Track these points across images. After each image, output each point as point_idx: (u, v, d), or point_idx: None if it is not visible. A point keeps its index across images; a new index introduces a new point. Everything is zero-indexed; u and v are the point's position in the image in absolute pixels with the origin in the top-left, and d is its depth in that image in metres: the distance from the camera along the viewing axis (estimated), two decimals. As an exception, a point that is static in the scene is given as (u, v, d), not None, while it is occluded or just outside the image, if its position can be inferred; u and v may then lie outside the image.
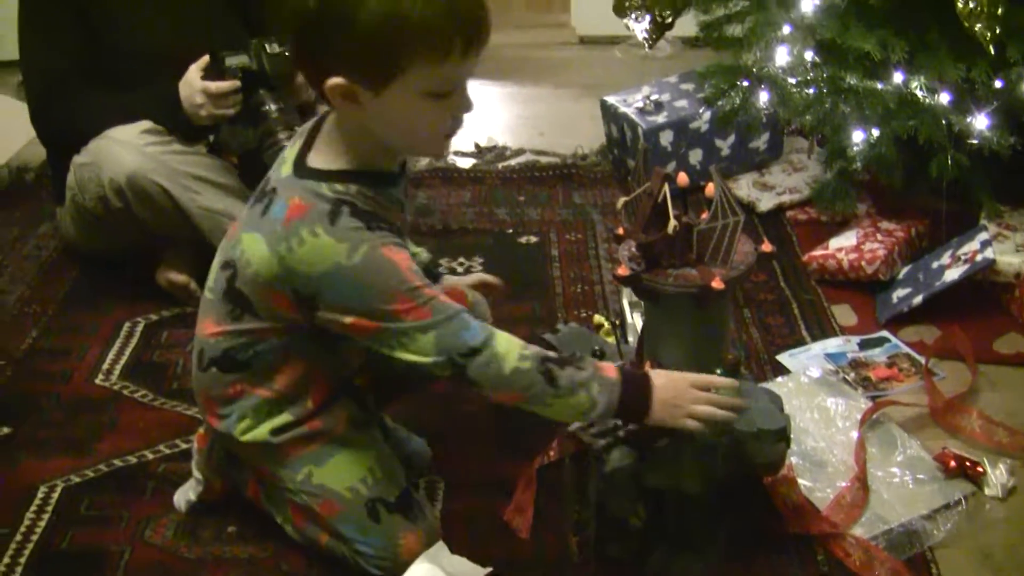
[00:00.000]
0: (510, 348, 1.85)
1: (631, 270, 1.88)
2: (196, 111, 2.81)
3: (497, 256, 3.15)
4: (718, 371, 1.92)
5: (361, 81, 1.77)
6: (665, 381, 1.88)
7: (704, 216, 1.90)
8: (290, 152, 1.94)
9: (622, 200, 1.91)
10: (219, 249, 2.02)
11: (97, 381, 2.65)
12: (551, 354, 1.87)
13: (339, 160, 1.88)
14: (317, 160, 1.89)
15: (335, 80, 1.77)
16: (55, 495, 2.27)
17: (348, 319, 1.84)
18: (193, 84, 2.79)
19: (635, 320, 2.55)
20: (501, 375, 1.84)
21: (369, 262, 1.82)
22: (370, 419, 2.11)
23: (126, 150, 2.77)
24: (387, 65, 1.75)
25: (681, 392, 1.88)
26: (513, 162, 3.75)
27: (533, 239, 3.24)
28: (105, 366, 2.70)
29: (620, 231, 1.94)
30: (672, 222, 1.83)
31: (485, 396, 1.89)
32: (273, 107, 2.76)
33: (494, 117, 4.14)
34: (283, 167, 1.92)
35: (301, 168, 1.89)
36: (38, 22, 2.90)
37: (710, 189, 1.86)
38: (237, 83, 2.78)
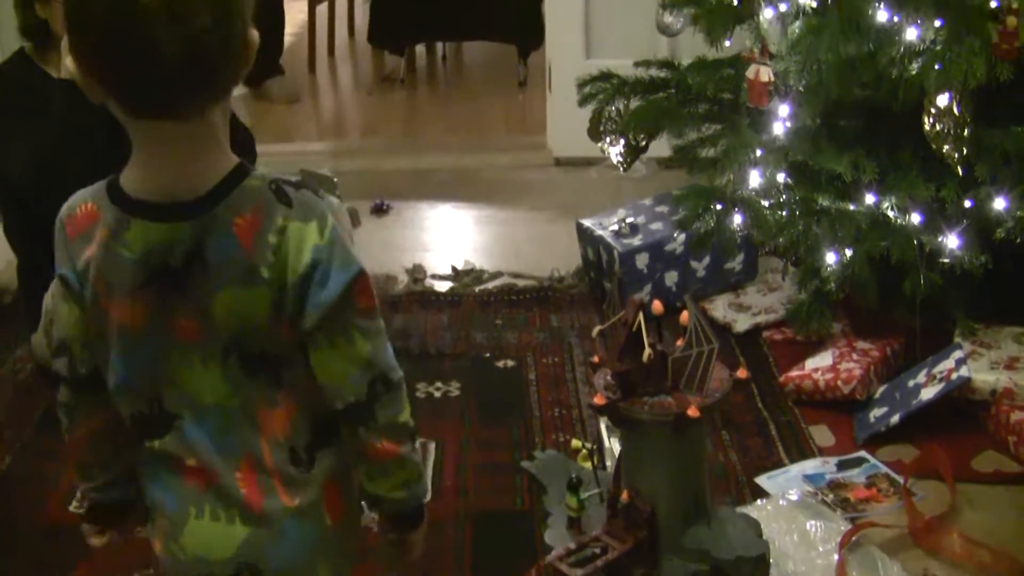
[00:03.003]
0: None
1: (607, 399, 1.89)
2: None
3: (475, 380, 3.14)
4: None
5: None
6: None
7: (680, 343, 1.91)
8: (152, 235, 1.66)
9: (597, 329, 1.92)
10: (175, 361, 1.72)
11: (71, 508, 2.62)
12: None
13: (227, 163, 1.67)
14: (211, 179, 1.65)
15: (254, 33, 1.62)
16: (26, 627, 2.24)
17: (322, 318, 1.65)
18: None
19: (612, 445, 2.55)
20: (399, 420, 1.73)
21: (335, 236, 1.65)
22: None
23: None
24: None
25: None
26: (490, 285, 3.76)
27: (511, 363, 3.24)
28: (79, 492, 2.67)
29: (596, 359, 1.95)
30: (647, 351, 1.84)
31: (366, 446, 1.75)
32: None
33: (471, 239, 4.17)
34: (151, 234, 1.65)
35: (211, 197, 1.64)
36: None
37: (685, 317, 1.87)
38: None
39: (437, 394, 3.06)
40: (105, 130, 2.87)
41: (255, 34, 1.61)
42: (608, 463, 2.51)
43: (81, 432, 1.83)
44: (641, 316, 1.84)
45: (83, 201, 1.70)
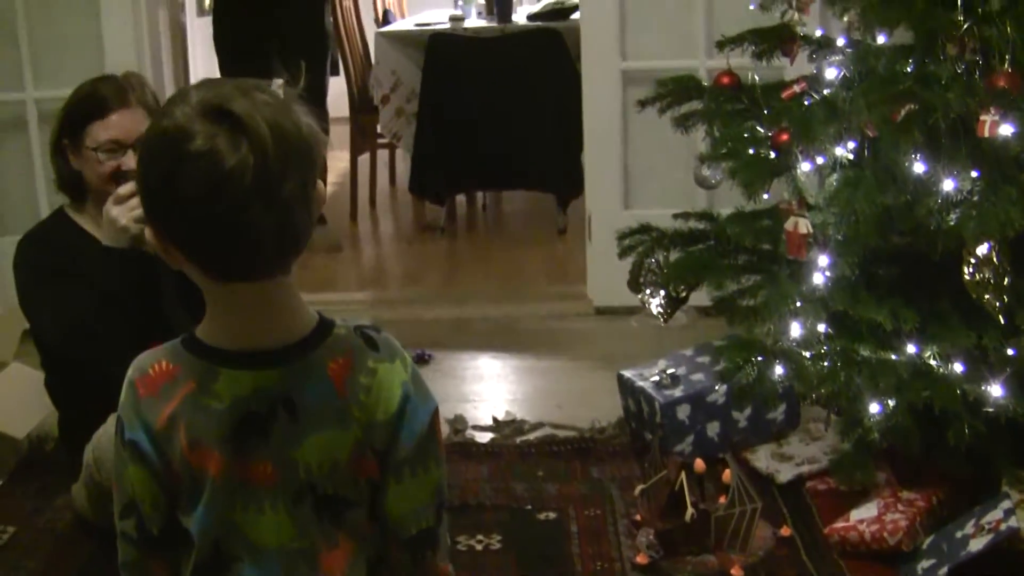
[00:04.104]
0: None
1: (650, 558, 1.88)
2: (119, 231, 2.85)
3: (516, 533, 3.11)
4: None
5: None
6: None
7: (722, 499, 1.90)
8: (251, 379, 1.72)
9: (639, 488, 1.92)
10: (243, 506, 1.75)
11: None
12: None
13: (309, 312, 1.75)
14: (299, 328, 1.74)
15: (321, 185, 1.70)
16: None
17: (412, 449, 1.74)
18: (107, 211, 2.87)
19: (657, 601, 2.52)
20: (449, 541, 1.82)
21: (416, 373, 1.76)
22: None
23: None
24: None
25: None
26: (531, 436, 3.75)
27: (552, 515, 3.20)
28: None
29: (638, 517, 1.94)
30: (690, 510, 1.84)
31: (428, 569, 1.82)
32: None
33: (512, 390, 4.17)
34: (263, 379, 1.71)
35: (304, 345, 1.73)
36: (45, 282, 3.00)
37: (727, 475, 1.87)
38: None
39: (478, 547, 3.04)
40: (138, 296, 2.94)
41: (323, 186, 1.67)
42: (652, 619, 2.49)
43: None
44: (683, 475, 1.84)
45: (155, 360, 1.75)
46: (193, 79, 8.61)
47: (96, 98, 3.00)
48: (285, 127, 1.60)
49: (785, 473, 3.31)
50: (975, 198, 2.68)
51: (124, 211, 2.85)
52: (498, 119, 6.13)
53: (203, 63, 8.11)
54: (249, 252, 1.61)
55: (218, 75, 5.27)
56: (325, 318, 1.76)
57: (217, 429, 1.70)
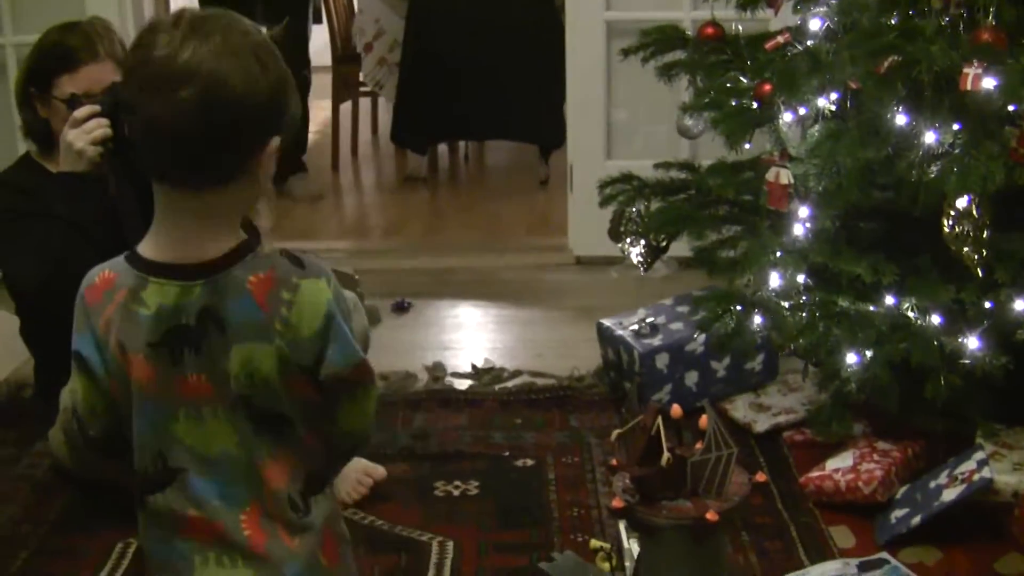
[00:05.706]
0: None
1: (625, 502, 1.89)
2: (75, 154, 2.84)
3: (493, 481, 3.12)
4: None
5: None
6: None
7: (699, 446, 1.91)
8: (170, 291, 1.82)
9: (616, 432, 1.93)
10: (188, 414, 1.85)
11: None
12: None
13: (238, 234, 1.84)
14: (223, 246, 1.82)
15: (275, 141, 1.81)
16: None
17: (347, 370, 1.84)
18: (64, 135, 2.86)
19: (631, 546, 2.53)
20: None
21: (339, 292, 1.84)
22: None
23: None
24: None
25: None
26: (510, 384, 3.76)
27: (530, 463, 3.22)
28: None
29: (614, 463, 1.95)
30: (665, 455, 1.85)
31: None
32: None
33: (491, 339, 4.18)
34: (183, 294, 1.81)
35: (226, 260, 1.81)
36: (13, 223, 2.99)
37: (704, 421, 1.88)
38: (96, 107, 2.84)
39: (456, 492, 3.05)
40: (99, 223, 2.92)
41: (274, 142, 1.74)
42: (627, 565, 2.50)
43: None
44: (660, 420, 1.85)
45: (102, 271, 1.88)
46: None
47: (65, 50, 2.98)
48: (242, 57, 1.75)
49: (762, 423, 3.33)
50: (957, 152, 2.68)
51: (80, 134, 2.84)
52: (481, 68, 6.10)
53: (185, 9, 8.04)
54: (172, 154, 1.75)
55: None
56: (253, 239, 1.85)
57: (144, 336, 1.80)
